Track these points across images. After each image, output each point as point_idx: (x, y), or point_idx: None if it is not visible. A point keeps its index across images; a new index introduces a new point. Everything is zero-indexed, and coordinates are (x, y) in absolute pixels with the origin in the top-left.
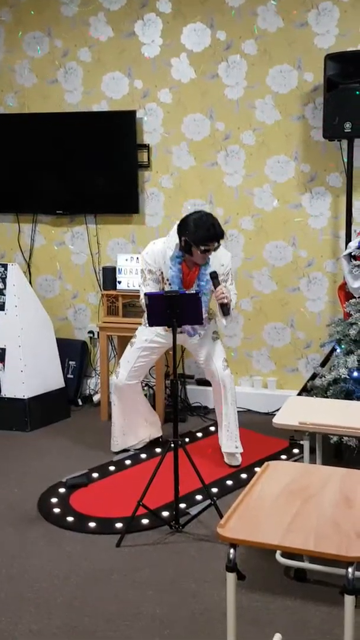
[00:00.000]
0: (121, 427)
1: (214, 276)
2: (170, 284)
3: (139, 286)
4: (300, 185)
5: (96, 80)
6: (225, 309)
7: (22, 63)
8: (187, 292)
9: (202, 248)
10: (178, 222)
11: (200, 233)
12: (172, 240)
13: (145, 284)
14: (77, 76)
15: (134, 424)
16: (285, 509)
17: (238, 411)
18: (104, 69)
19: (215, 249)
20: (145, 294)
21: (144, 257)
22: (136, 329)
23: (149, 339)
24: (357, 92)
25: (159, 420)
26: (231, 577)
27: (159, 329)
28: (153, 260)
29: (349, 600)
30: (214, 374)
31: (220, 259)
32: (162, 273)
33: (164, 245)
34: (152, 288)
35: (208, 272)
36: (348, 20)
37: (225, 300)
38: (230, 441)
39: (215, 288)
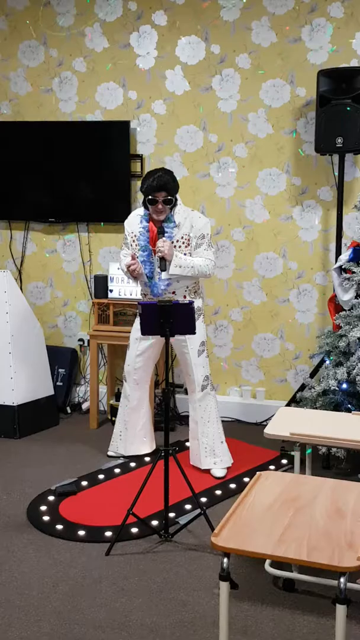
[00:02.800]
0: (119, 434)
1: (160, 230)
2: (137, 243)
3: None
4: (292, 198)
5: (91, 90)
6: (162, 263)
7: (17, 71)
8: (180, 302)
9: (149, 198)
10: None
11: (147, 183)
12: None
13: (122, 247)
14: (71, 86)
15: (132, 437)
16: (278, 519)
17: (227, 421)
18: (98, 79)
19: (167, 203)
20: (139, 304)
21: (124, 223)
22: (127, 337)
23: (138, 337)
24: (349, 108)
25: (154, 436)
26: (224, 586)
27: None
28: (128, 224)
29: (340, 610)
30: (193, 390)
31: (193, 221)
32: (134, 235)
33: (141, 208)
34: (125, 252)
35: (171, 230)
36: (341, 37)
37: (160, 254)
38: (209, 457)
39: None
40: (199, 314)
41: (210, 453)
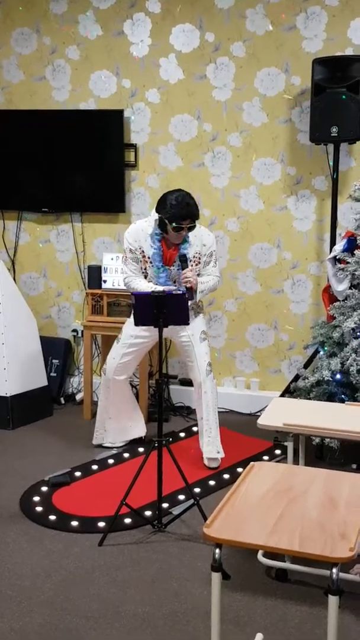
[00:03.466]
0: (103, 423)
1: (183, 259)
2: (151, 262)
3: (122, 265)
4: (286, 188)
5: (84, 79)
6: (189, 292)
7: (9, 59)
8: (173, 292)
9: (174, 225)
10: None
11: (173, 211)
12: (152, 218)
13: (126, 263)
14: (65, 74)
15: (117, 423)
16: (270, 509)
17: (221, 412)
18: (92, 67)
19: (190, 229)
20: (132, 294)
21: (125, 237)
22: (121, 328)
23: (134, 334)
24: (344, 97)
25: (143, 419)
26: (216, 577)
27: (137, 329)
28: (133, 239)
29: (333, 600)
30: (197, 377)
31: (202, 239)
32: (142, 251)
33: (145, 224)
34: (133, 267)
35: (186, 250)
36: (336, 25)
37: (189, 285)
38: (211, 446)
39: (182, 270)
40: (199, 312)
41: (208, 440)
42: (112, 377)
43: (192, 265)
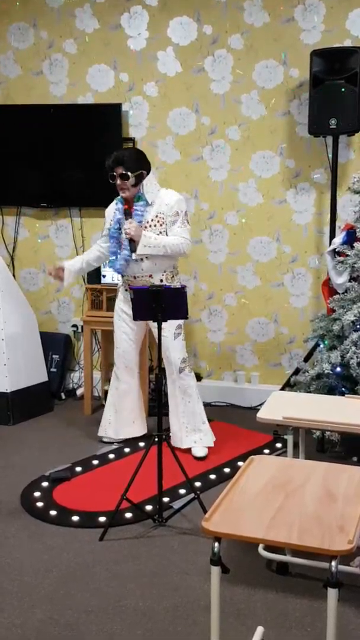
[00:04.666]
0: (108, 418)
1: (127, 212)
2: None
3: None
4: (285, 181)
5: (82, 73)
6: (131, 244)
7: (6, 54)
8: (172, 286)
9: (109, 174)
10: None
11: (106, 162)
12: None
13: (102, 234)
14: (62, 68)
15: (121, 420)
16: (269, 503)
17: (221, 405)
18: (89, 61)
19: (123, 178)
20: (131, 288)
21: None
22: None
23: (119, 319)
24: (343, 89)
25: (145, 421)
26: (215, 571)
27: (121, 302)
28: (107, 213)
29: (332, 593)
30: (171, 372)
31: (164, 199)
32: (112, 220)
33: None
34: (104, 239)
35: (140, 209)
36: (334, 17)
37: (128, 236)
38: (190, 435)
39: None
40: None
41: (192, 432)
42: (123, 367)
43: (155, 226)
